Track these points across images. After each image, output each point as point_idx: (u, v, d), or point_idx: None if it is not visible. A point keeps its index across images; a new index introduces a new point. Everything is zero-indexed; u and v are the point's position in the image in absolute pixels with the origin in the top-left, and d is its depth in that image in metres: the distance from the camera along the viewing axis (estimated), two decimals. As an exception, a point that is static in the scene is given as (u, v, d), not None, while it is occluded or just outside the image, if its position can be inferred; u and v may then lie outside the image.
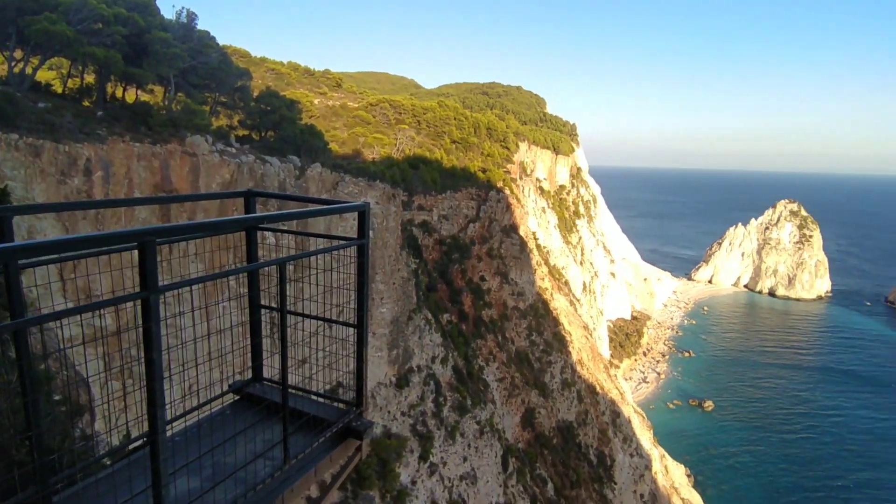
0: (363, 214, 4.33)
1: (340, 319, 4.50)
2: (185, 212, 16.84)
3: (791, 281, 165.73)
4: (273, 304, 4.32)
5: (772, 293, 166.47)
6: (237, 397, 4.65)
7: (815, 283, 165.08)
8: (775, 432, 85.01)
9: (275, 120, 27.23)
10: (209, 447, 3.61)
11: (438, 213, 43.43)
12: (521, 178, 72.76)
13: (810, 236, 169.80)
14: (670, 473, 61.15)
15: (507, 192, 52.09)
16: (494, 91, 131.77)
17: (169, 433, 3.87)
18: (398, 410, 25.20)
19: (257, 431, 3.94)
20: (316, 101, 53.77)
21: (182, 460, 3.44)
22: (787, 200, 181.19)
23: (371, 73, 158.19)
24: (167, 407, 2.91)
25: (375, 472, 21.53)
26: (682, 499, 58.72)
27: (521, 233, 52.98)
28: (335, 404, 4.67)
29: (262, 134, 27.61)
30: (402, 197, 30.05)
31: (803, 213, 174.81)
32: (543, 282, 56.31)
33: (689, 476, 66.94)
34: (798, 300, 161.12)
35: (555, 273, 70.81)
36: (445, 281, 41.36)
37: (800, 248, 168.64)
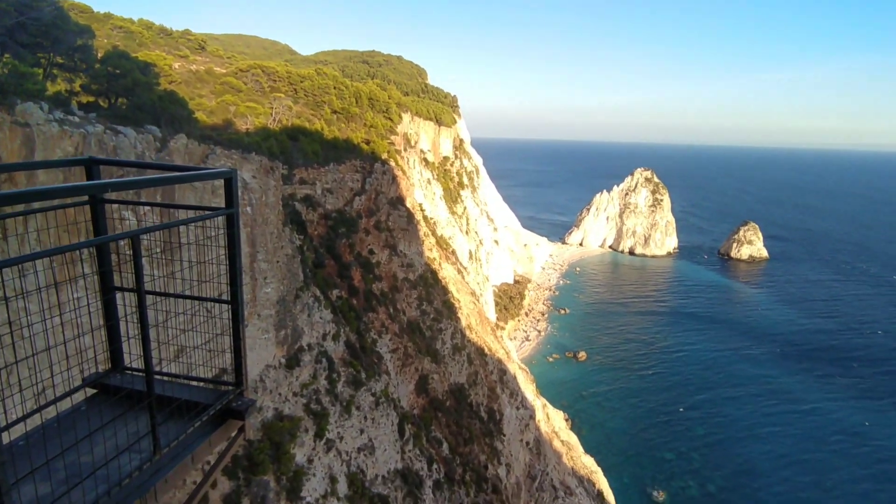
0: (230, 182, 4.02)
1: (212, 297, 4.18)
2: (18, 191, 14.38)
3: (647, 240, 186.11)
4: (144, 287, 3.87)
5: (631, 252, 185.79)
6: (95, 391, 4.16)
7: (665, 241, 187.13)
8: (634, 371, 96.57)
9: (126, 85, 24.05)
10: (60, 448, 3.22)
11: (322, 186, 41.91)
12: (405, 150, 72.48)
13: (661, 200, 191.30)
14: (551, 420, 66.77)
15: (393, 163, 51.67)
16: (375, 60, 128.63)
17: (12, 437, 3.38)
18: (290, 391, 24.42)
19: (120, 425, 3.60)
20: (176, 66, 48.41)
21: (27, 466, 3.03)
22: (642, 168, 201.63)
23: (239, 36, 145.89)
24: (5, 408, 2.50)
25: (269, 456, 20.80)
26: (562, 441, 64.55)
27: (408, 205, 53.10)
28: (213, 387, 4.38)
29: (112, 101, 24.30)
30: (281, 170, 28.45)
31: (656, 179, 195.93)
32: (431, 252, 57.29)
33: (567, 420, 73.73)
34: (653, 257, 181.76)
35: (442, 243, 72.34)
36: (333, 256, 40.34)
37: (653, 211, 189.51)
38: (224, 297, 4.25)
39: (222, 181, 4.11)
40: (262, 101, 48.21)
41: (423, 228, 57.01)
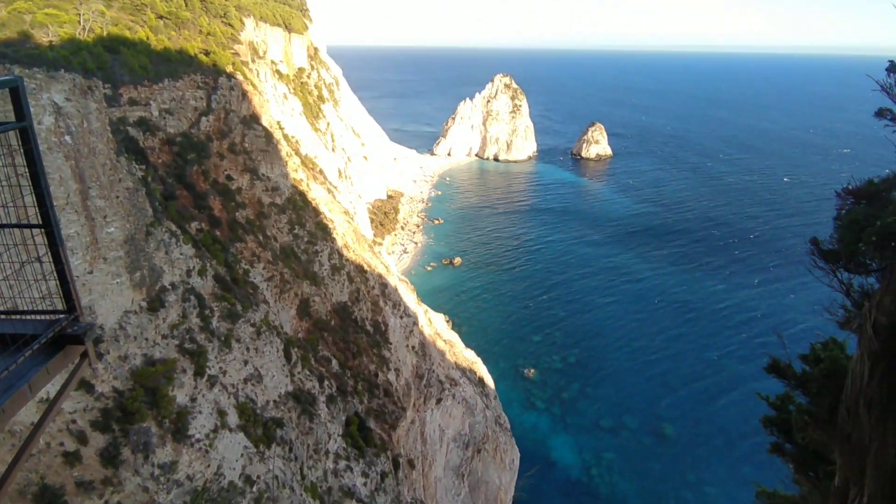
0: (17, 92, 3.61)
1: (18, 223, 3.99)
2: None
3: (509, 146, 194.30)
4: None
5: (496, 158, 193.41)
6: None
7: (525, 145, 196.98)
8: (503, 268, 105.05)
9: None
10: None
11: (158, 107, 36.66)
12: (253, 62, 65.36)
13: (520, 105, 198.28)
14: (433, 323, 70.98)
15: (241, 77, 46.48)
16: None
17: None
18: (158, 335, 22.69)
19: None
20: (-74, -44, 37.09)
21: None
22: (501, 74, 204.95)
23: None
24: None
25: (144, 403, 19.62)
26: (445, 340, 69.39)
27: (265, 123, 48.95)
28: (44, 317, 4.32)
29: None
30: (103, 90, 24.19)
31: (514, 85, 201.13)
32: (297, 173, 54.39)
33: (448, 321, 79.01)
34: (515, 162, 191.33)
35: (308, 163, 68.67)
36: (185, 186, 36.44)
37: (513, 117, 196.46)
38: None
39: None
40: (65, 6, 39.43)
41: (284, 148, 53.41)
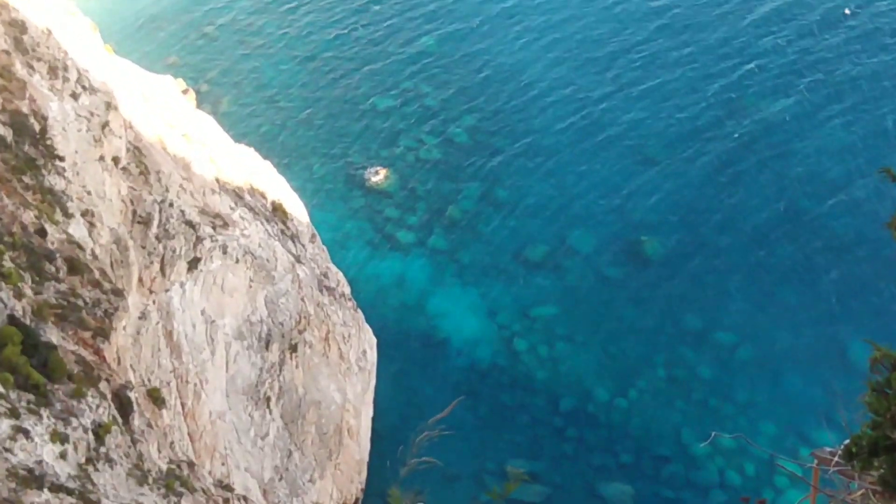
0: None
1: None
2: None
3: None
4: None
5: None
6: None
7: None
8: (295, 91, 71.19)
9: None
10: None
11: None
12: None
13: None
14: (156, 98, 43.27)
15: None
16: None
17: None
18: None
19: None
20: None
21: None
22: None
23: None
24: None
25: None
26: (188, 134, 43.15)
27: None
28: None
29: None
30: None
31: None
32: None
33: (187, 90, 50.43)
34: None
35: None
36: None
37: None
38: None
39: None
40: None
41: None
